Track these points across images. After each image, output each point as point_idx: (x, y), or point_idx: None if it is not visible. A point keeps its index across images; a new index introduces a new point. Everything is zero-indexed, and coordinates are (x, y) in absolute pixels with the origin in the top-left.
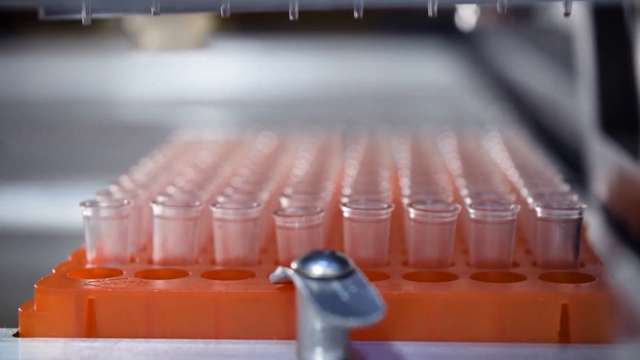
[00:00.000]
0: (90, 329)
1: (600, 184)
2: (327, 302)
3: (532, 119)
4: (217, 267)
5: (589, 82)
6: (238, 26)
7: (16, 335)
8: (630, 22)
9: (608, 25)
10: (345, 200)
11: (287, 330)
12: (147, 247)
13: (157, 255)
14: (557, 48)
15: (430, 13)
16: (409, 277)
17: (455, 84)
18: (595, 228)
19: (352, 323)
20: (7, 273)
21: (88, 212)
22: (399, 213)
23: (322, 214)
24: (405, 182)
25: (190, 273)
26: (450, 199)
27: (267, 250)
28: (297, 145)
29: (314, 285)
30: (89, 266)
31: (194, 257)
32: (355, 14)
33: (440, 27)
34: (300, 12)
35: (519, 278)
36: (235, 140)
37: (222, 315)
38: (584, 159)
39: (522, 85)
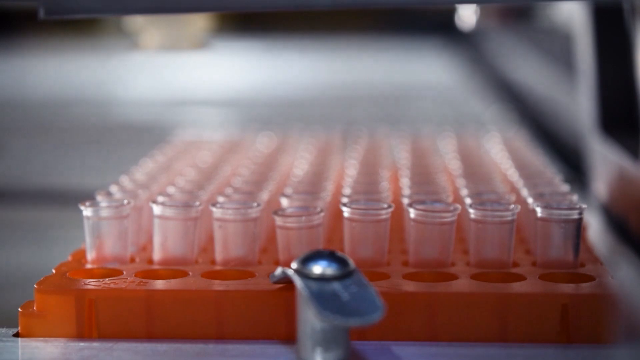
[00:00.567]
0: (90, 329)
1: (600, 184)
2: (327, 302)
3: (532, 119)
4: (217, 267)
5: (589, 82)
6: (238, 26)
7: (16, 335)
8: (630, 22)
9: (608, 25)
10: (345, 200)
11: (287, 330)
12: (147, 247)
13: (157, 255)
14: (557, 48)
15: None
16: (409, 277)
17: (455, 84)
18: (595, 228)
19: (352, 323)
20: (7, 273)
21: (88, 212)
22: (399, 213)
23: (322, 214)
24: (405, 182)
25: (190, 273)
26: (450, 199)
27: (267, 250)
28: (297, 145)
29: (314, 285)
30: (89, 266)
31: (194, 257)
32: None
33: (440, 27)
34: (301, 12)
35: (519, 278)
36: (235, 140)
37: (222, 315)
38: (584, 159)
39: (522, 85)
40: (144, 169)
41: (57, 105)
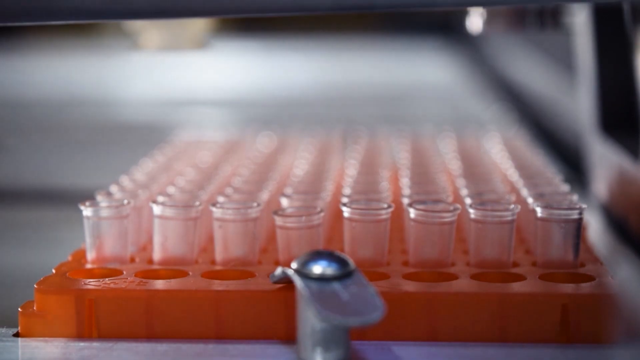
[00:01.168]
0: (90, 329)
1: (600, 184)
2: (327, 302)
3: (532, 119)
4: (217, 267)
5: (589, 82)
6: (238, 26)
7: (16, 335)
8: (630, 22)
9: (608, 26)
10: (345, 200)
11: (287, 330)
12: (147, 247)
13: (157, 255)
14: (557, 48)
15: None
16: (409, 277)
17: (455, 84)
18: (595, 228)
19: (352, 323)
20: (7, 273)
21: (88, 212)
22: (399, 213)
23: (322, 214)
24: (405, 182)
25: (190, 273)
26: (450, 199)
27: (267, 250)
28: (297, 145)
29: (314, 285)
30: (89, 266)
31: (194, 257)
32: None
33: (441, 28)
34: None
35: (519, 278)
36: (235, 140)
37: (222, 315)
38: (584, 159)
39: (522, 85)
40: (144, 169)
41: (57, 105)
